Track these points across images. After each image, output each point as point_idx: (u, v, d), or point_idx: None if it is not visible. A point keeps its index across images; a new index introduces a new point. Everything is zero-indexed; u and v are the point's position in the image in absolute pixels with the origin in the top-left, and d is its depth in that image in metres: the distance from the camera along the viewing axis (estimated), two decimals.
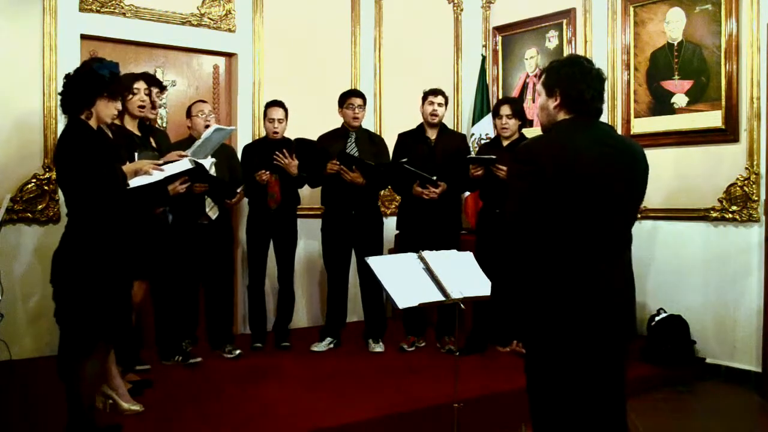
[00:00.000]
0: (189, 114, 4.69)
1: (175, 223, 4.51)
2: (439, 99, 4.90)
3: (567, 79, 2.38)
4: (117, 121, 3.59)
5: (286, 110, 4.92)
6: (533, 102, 6.16)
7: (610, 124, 5.09)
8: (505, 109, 4.79)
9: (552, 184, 2.24)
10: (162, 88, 4.33)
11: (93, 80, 3.05)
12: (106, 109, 3.09)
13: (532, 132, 5.80)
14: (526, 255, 2.28)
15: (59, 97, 3.13)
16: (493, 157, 4.58)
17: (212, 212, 4.59)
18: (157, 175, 3.25)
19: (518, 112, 4.83)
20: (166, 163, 3.39)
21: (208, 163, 3.75)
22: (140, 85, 3.97)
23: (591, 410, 2.38)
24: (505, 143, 4.83)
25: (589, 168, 2.27)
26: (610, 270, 2.33)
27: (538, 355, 2.38)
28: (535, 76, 6.16)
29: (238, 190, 4.59)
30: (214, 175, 4.35)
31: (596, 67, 2.43)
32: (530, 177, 2.26)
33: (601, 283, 2.31)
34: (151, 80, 4.12)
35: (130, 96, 3.91)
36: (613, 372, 2.42)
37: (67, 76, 3.11)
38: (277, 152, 4.75)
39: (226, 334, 4.81)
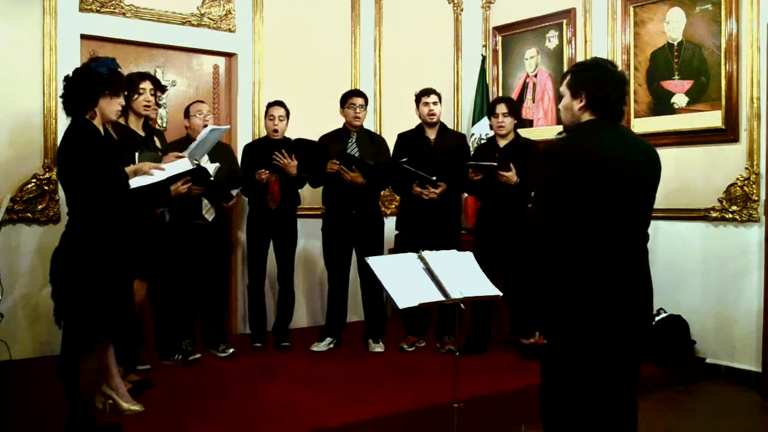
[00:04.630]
0: (187, 114, 4.68)
1: (172, 224, 4.52)
2: (433, 98, 4.90)
3: (593, 82, 2.45)
4: (121, 120, 3.59)
5: (287, 110, 4.92)
6: (533, 102, 6.16)
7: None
8: (501, 108, 4.79)
9: (578, 182, 2.30)
10: (162, 90, 4.35)
11: (93, 79, 3.05)
12: (110, 107, 3.10)
13: (528, 132, 5.82)
14: (551, 251, 2.32)
15: (60, 99, 3.13)
16: (494, 164, 4.58)
17: (208, 214, 4.58)
18: (158, 176, 3.25)
19: (514, 111, 4.84)
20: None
21: (212, 168, 3.76)
22: (146, 86, 3.99)
23: (605, 408, 2.41)
24: (502, 143, 4.83)
25: (614, 167, 2.34)
26: (632, 268, 2.40)
27: (559, 351, 2.40)
28: (535, 76, 6.17)
29: (234, 193, 4.58)
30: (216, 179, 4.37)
31: (620, 70, 2.51)
32: (558, 174, 2.33)
33: (624, 281, 2.37)
34: (155, 82, 4.13)
35: (136, 96, 3.93)
36: (630, 370, 2.46)
37: (66, 78, 3.11)
38: (276, 152, 4.75)
39: (219, 334, 4.79)
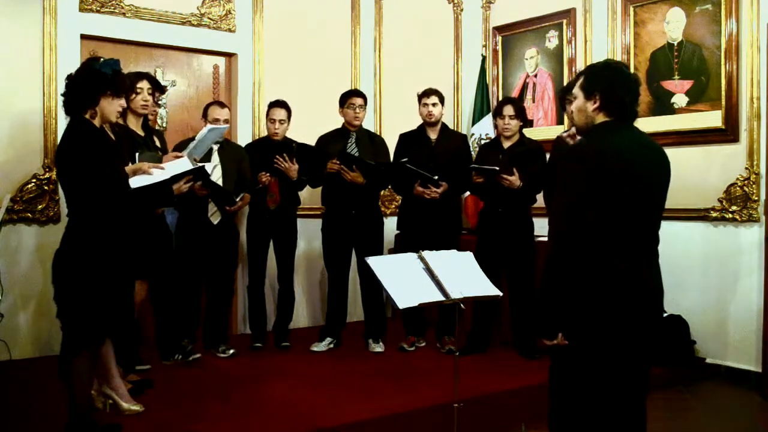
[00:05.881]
0: (205, 115, 4.64)
1: (178, 224, 4.52)
2: (433, 99, 4.89)
3: (607, 83, 2.46)
4: (120, 120, 3.59)
5: (289, 111, 4.89)
6: (533, 102, 6.16)
7: None
8: (508, 110, 4.79)
9: (597, 183, 2.32)
10: (162, 91, 4.34)
11: (96, 79, 3.05)
12: (110, 107, 3.09)
13: (528, 132, 5.82)
14: (578, 252, 2.33)
15: (61, 98, 3.13)
16: (496, 168, 4.58)
17: (214, 217, 4.58)
18: (157, 175, 3.25)
19: (520, 112, 4.84)
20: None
21: (210, 167, 3.75)
22: (143, 85, 3.99)
23: (619, 408, 2.44)
24: (506, 144, 4.83)
25: (630, 168, 2.37)
26: (646, 268, 2.42)
27: (578, 350, 2.40)
28: (535, 76, 6.17)
29: (238, 199, 4.56)
30: (219, 180, 4.37)
31: (632, 72, 2.52)
32: (586, 176, 2.34)
33: (641, 282, 2.38)
34: (154, 82, 4.13)
35: (134, 95, 3.93)
36: (643, 371, 2.49)
37: (69, 77, 3.11)
38: (277, 156, 4.74)
39: (221, 334, 4.79)
